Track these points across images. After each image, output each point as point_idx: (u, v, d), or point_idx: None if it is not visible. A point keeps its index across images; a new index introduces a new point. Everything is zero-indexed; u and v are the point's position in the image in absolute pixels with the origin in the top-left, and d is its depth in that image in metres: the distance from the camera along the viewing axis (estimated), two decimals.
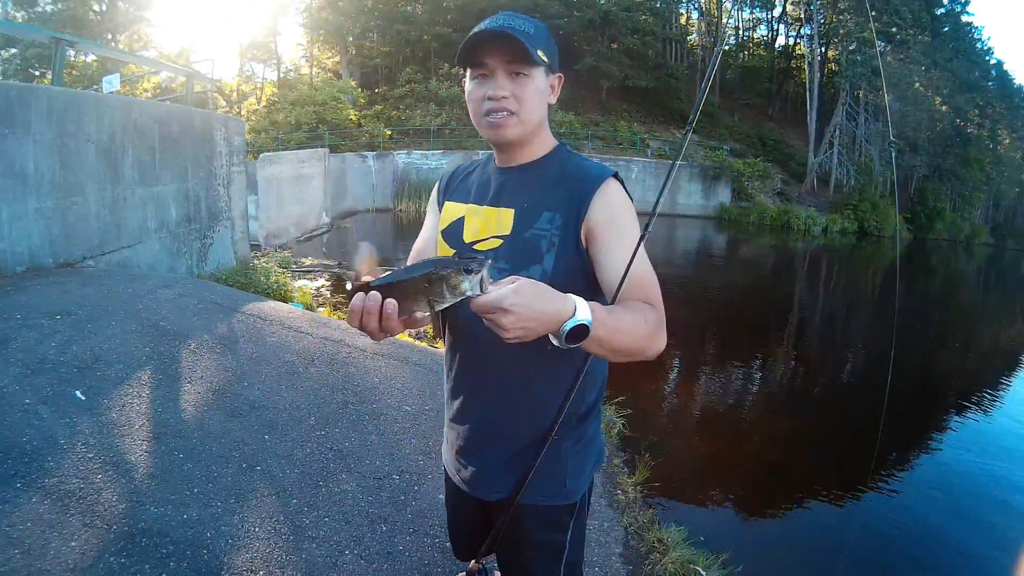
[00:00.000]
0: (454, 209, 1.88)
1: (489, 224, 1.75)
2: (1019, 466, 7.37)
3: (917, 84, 46.93)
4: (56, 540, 3.01)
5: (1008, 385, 10.91)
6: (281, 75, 46.25)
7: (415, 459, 4.28)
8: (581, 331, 1.31)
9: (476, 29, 1.61)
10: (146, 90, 30.99)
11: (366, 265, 1.43)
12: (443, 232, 1.86)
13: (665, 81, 46.53)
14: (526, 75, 1.63)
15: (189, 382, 4.74)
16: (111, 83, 10.54)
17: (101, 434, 3.86)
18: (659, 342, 1.50)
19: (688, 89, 47.88)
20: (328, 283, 12.49)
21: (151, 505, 3.37)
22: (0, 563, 2.84)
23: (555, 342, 1.34)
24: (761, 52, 59.65)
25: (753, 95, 51.47)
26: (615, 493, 4.60)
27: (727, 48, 58.12)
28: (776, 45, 59.61)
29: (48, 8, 37.37)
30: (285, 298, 8.90)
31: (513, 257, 1.67)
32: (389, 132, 32.38)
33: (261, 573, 3.07)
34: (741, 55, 59.32)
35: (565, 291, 1.35)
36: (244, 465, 3.87)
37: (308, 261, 14.70)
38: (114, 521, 3.20)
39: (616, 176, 1.69)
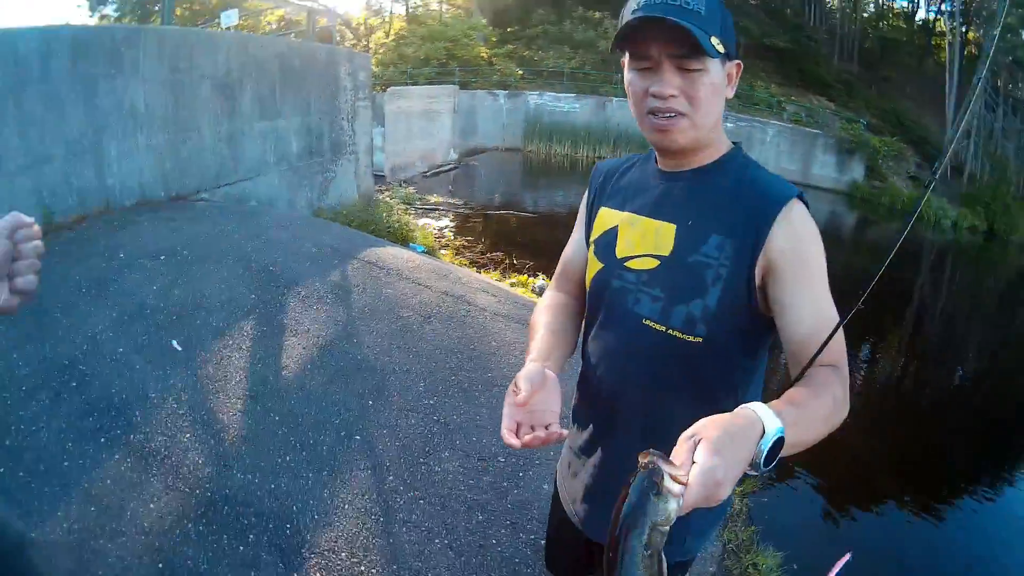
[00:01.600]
0: (608, 217, 1.55)
1: (646, 239, 1.43)
2: None
3: None
4: (135, 501, 2.89)
5: None
6: (410, 9, 46.17)
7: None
8: (778, 448, 1.00)
9: (632, 10, 1.28)
10: (269, 22, 31.16)
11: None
12: (595, 241, 1.56)
13: (803, 43, 44.67)
14: (700, 69, 1.28)
15: (294, 335, 4.50)
16: (229, 18, 10.61)
17: (194, 389, 3.69)
18: (845, 410, 1.18)
19: (826, 54, 46.01)
20: (452, 224, 12.33)
21: (238, 471, 3.18)
22: (75, 519, 2.75)
23: (751, 472, 1.01)
24: (900, 24, 56.70)
25: (891, 67, 48.94)
26: None
27: (866, 15, 55.56)
28: (916, 18, 56.70)
29: None
30: (406, 239, 8.69)
31: (671, 284, 1.36)
32: (521, 72, 31.78)
33: (344, 555, 2.87)
34: (880, 23, 56.59)
35: (724, 328, 1.25)
36: (343, 433, 3.61)
37: (434, 199, 14.55)
38: (197, 485, 3.06)
39: (801, 197, 1.34)
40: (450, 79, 27.03)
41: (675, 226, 1.39)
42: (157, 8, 34.87)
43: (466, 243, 10.66)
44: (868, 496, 5.95)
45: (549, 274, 8.16)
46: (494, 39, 35.75)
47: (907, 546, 5.37)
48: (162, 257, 5.06)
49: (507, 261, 9.17)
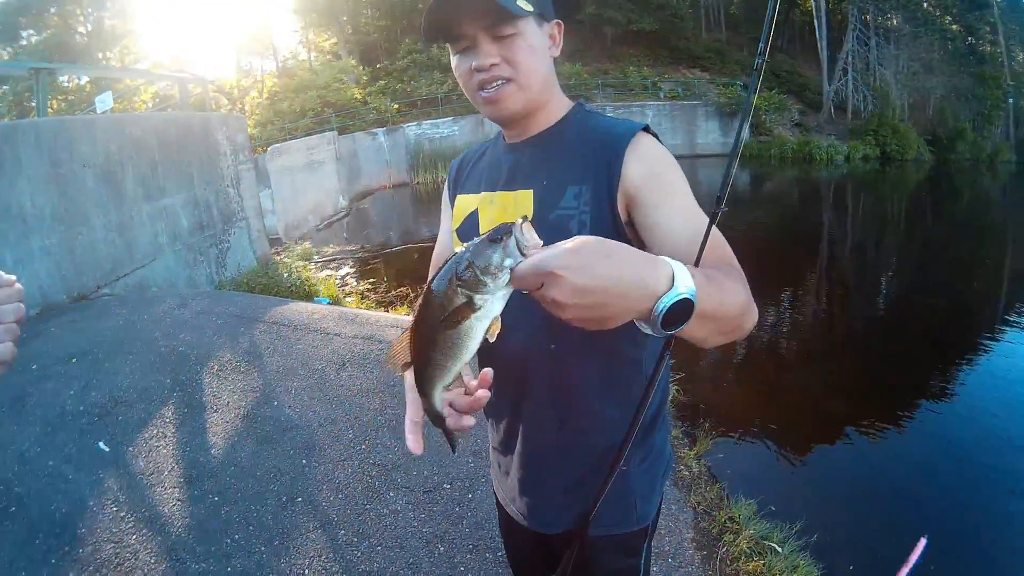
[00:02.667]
0: (466, 202, 1.60)
1: (506, 212, 1.46)
2: None
3: (926, 4, 46.34)
4: None
5: None
6: (279, 64, 45.90)
7: (464, 462, 4.04)
8: (684, 308, 0.94)
9: None
10: (145, 101, 30.74)
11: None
12: (457, 231, 1.59)
13: (669, 22, 45.64)
14: (514, 33, 1.34)
15: (215, 411, 4.55)
16: (104, 102, 10.37)
17: (131, 488, 3.70)
18: (755, 312, 1.14)
19: (693, 27, 47.19)
20: (353, 270, 12.35)
21: (192, 562, 3.20)
22: None
23: (645, 328, 0.98)
24: None
25: (758, 26, 50.47)
26: (679, 469, 4.36)
27: None
28: None
29: (32, 39, 36.88)
30: (310, 294, 8.73)
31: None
32: (396, 106, 31.87)
33: None
34: None
35: None
36: (284, 499, 3.67)
37: (330, 249, 14.55)
38: None
39: (647, 129, 1.40)
40: (328, 126, 26.98)
41: (532, 191, 1.43)
42: (33, 103, 34.10)
43: (370, 286, 10.71)
44: (816, 428, 6.30)
45: None
46: (365, 78, 35.79)
47: (861, 464, 5.68)
48: (74, 360, 5.04)
49: (412, 295, 9.25)
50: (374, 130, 28.64)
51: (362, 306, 8.58)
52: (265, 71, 46.20)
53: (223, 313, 6.32)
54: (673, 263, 0.95)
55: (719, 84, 37.68)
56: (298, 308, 6.78)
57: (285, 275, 9.28)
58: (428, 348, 1.03)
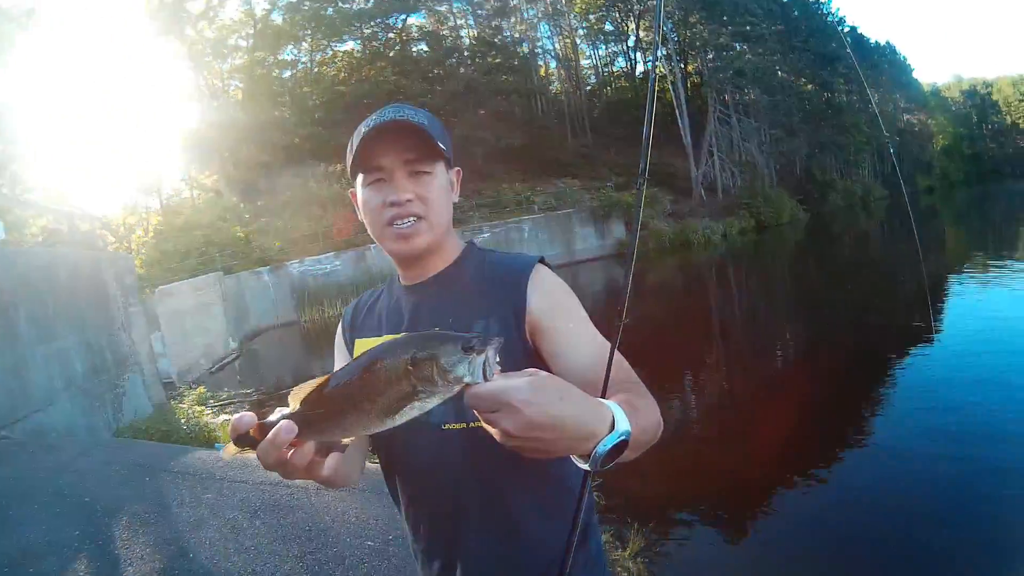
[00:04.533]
0: (367, 346, 1.49)
1: None
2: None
3: (780, 72, 49.43)
4: None
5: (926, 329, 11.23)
6: (163, 202, 45.47)
7: None
8: (620, 447, 1.03)
9: (366, 125, 1.43)
10: (34, 235, 29.84)
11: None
12: None
13: (536, 135, 47.35)
14: (428, 172, 1.45)
15: (130, 564, 4.38)
16: None
17: None
18: (661, 422, 1.25)
19: (560, 136, 49.01)
20: (251, 412, 12.10)
21: None
22: None
23: (581, 464, 1.06)
24: (623, 83, 61.52)
25: (623, 127, 52.57)
26: (617, 573, 4.40)
27: (589, 87, 60.10)
28: (637, 73, 61.81)
29: None
30: (210, 440, 8.51)
31: None
32: (279, 243, 31.99)
33: None
34: (605, 91, 61.11)
35: None
36: None
37: (225, 393, 14.30)
38: None
39: (543, 260, 1.52)
40: (213, 267, 26.78)
41: (437, 330, 1.32)
42: None
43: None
44: (745, 500, 6.46)
45: None
46: (248, 216, 35.81)
47: (792, 524, 5.95)
48: None
49: None
50: (258, 269, 28.79)
51: None
52: (150, 208, 45.64)
53: (127, 463, 6.17)
54: (613, 407, 1.05)
55: (590, 189, 39.19)
56: (200, 456, 6.64)
57: (183, 421, 9.09)
58: (346, 407, 1.04)
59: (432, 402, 0.99)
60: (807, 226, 40.19)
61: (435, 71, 49.12)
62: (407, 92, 44.74)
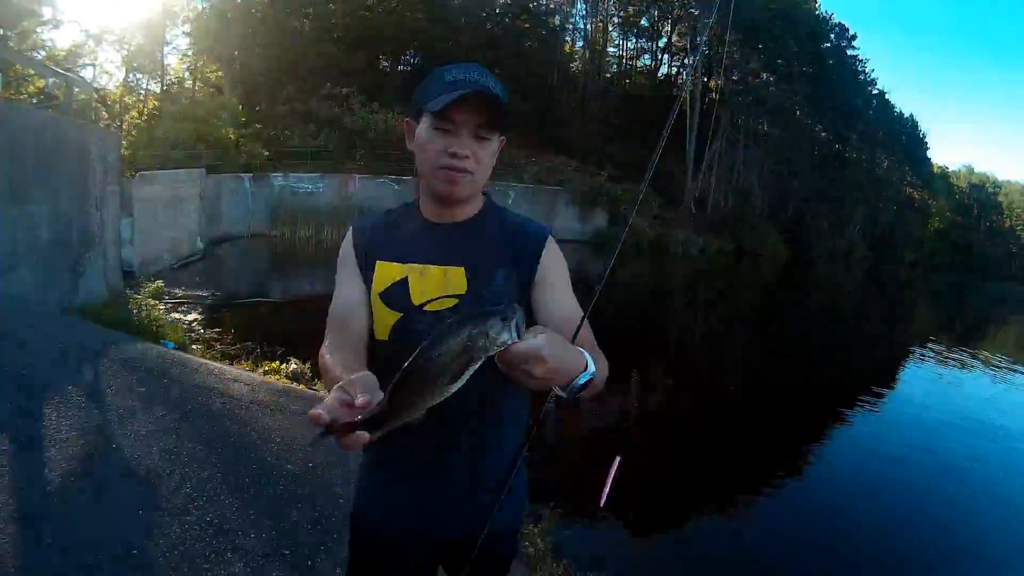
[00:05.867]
0: (391, 270, 1.77)
1: (438, 284, 1.72)
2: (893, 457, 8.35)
3: (798, 112, 49.64)
4: None
5: (884, 383, 12.31)
6: (164, 88, 44.73)
7: (304, 530, 4.06)
8: (588, 384, 1.40)
9: (452, 80, 1.64)
10: (31, 95, 29.32)
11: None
12: (381, 295, 1.76)
13: (544, 108, 47.07)
14: (487, 139, 1.68)
15: (54, 446, 4.41)
16: None
17: None
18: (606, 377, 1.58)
19: (567, 116, 48.74)
20: (202, 316, 12.06)
21: None
22: None
23: (560, 392, 1.42)
24: (643, 80, 61.30)
25: (633, 123, 52.50)
26: (524, 545, 4.51)
27: (609, 75, 59.81)
28: (659, 74, 61.61)
29: None
30: (157, 335, 8.51)
31: None
32: (267, 153, 31.77)
33: None
34: (624, 83, 60.84)
35: None
36: (120, 551, 3.53)
37: (181, 292, 14.24)
38: None
39: (551, 232, 1.87)
40: (197, 163, 26.49)
41: (463, 268, 1.73)
42: None
43: (216, 335, 10.50)
44: (666, 505, 6.75)
45: (301, 359, 8.24)
46: (243, 119, 35.38)
47: (709, 536, 6.32)
48: None
49: (258, 350, 9.14)
50: (241, 175, 28.64)
51: (207, 356, 8.44)
52: (150, 91, 44.95)
53: (71, 342, 6.20)
54: (586, 355, 1.42)
55: (585, 172, 39.49)
56: (144, 348, 6.71)
57: (134, 311, 9.06)
58: (420, 381, 1.27)
59: (482, 361, 1.27)
60: (784, 265, 40.53)
61: (462, 20, 48.57)
62: (430, 34, 44.40)
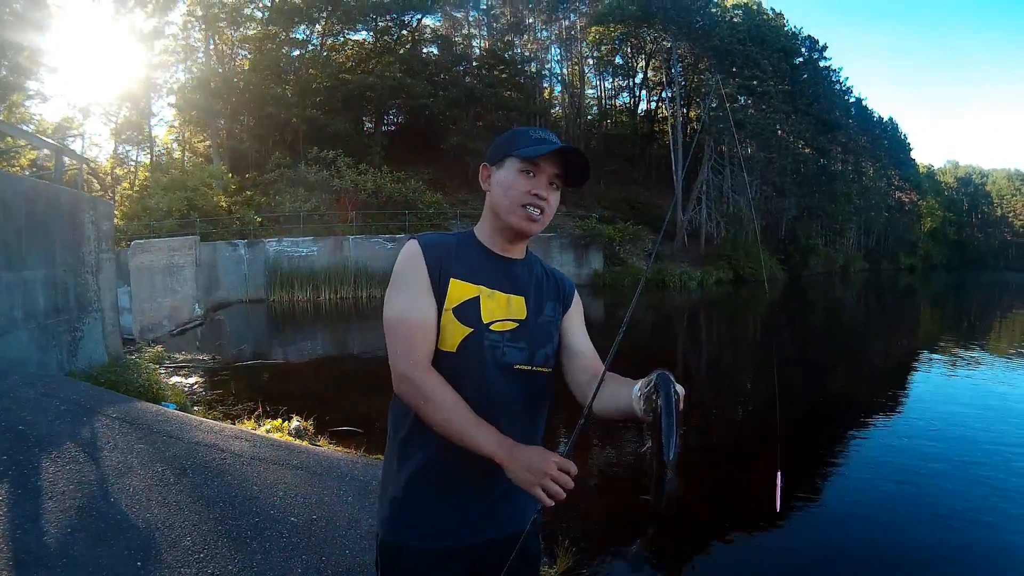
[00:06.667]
0: (463, 288, 1.95)
1: (503, 308, 1.98)
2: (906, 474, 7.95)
3: (780, 131, 49.88)
4: None
5: (891, 398, 12.07)
6: (154, 158, 45.20)
7: None
8: None
9: (539, 137, 1.96)
10: (22, 167, 29.58)
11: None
12: (455, 310, 1.93)
13: None
14: (558, 190, 1.98)
15: (51, 498, 4.39)
16: None
17: None
18: None
19: None
20: (203, 379, 12.05)
21: None
22: None
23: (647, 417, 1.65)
24: (623, 119, 61.87)
25: (618, 161, 52.82)
26: None
27: (590, 116, 60.39)
28: (639, 110, 62.21)
29: None
30: (157, 397, 8.50)
31: (530, 339, 1.99)
32: (260, 219, 32.01)
33: None
34: (605, 123, 61.40)
35: (554, 359, 2.08)
36: None
37: (182, 356, 14.24)
38: None
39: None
40: (191, 231, 26.66)
41: (523, 298, 2.02)
42: None
43: (218, 397, 10.48)
44: (680, 534, 6.46)
45: (304, 416, 8.18)
46: (234, 186, 35.62)
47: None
48: None
49: (260, 410, 9.11)
50: (236, 241, 28.78)
51: (209, 416, 8.42)
52: (140, 163, 45.44)
53: (69, 400, 6.15)
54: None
55: (575, 216, 39.14)
56: (143, 408, 6.68)
57: (134, 375, 9.05)
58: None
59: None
60: (784, 287, 40.56)
61: (441, 75, 49.22)
62: (411, 91, 44.84)
